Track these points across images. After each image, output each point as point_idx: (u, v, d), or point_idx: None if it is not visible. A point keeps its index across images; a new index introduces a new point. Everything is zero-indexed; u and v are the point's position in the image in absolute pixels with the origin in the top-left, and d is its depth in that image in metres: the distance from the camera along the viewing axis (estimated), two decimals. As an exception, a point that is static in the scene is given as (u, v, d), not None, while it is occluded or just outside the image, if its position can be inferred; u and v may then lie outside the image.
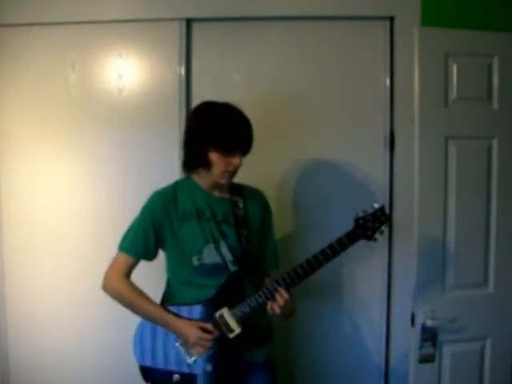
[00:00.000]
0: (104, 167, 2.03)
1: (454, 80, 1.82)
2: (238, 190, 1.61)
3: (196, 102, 1.98)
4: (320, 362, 2.06)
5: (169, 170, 1.97)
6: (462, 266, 1.83)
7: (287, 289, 1.45)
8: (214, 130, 1.45)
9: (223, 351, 1.49)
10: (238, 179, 1.59)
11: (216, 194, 1.57)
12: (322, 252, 1.44)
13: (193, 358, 1.50)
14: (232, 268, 1.53)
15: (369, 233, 1.45)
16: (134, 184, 2.01)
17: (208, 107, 1.53)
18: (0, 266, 2.06)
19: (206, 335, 1.46)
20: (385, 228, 1.47)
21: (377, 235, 1.46)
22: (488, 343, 1.88)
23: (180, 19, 1.95)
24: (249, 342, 1.51)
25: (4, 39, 2.01)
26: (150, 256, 1.56)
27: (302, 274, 1.45)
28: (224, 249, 1.53)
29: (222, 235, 1.53)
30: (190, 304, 1.53)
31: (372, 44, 1.98)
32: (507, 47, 1.84)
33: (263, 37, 1.99)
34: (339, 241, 1.45)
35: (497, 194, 1.85)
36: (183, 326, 1.48)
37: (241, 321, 1.47)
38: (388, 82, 1.97)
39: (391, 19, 1.94)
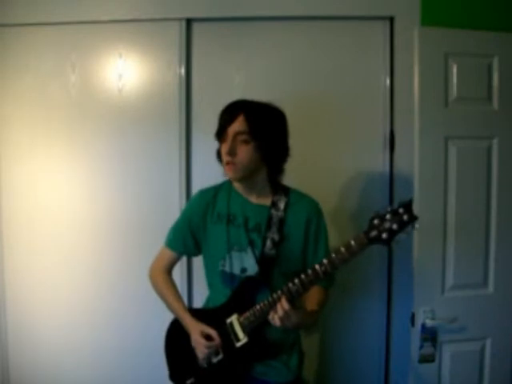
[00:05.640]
0: (104, 167, 2.03)
1: (454, 80, 1.81)
2: (284, 192, 1.51)
3: (196, 102, 2.00)
4: (319, 361, 2.06)
5: (168, 169, 1.98)
6: (461, 266, 1.83)
7: (291, 300, 1.30)
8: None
9: (229, 361, 1.44)
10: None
11: (254, 199, 1.50)
12: (329, 259, 1.26)
13: (188, 382, 1.50)
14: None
15: (384, 236, 1.19)
16: (133, 183, 2.01)
17: None
18: (0, 266, 2.07)
19: (203, 341, 1.43)
20: (408, 230, 1.18)
21: (398, 238, 1.19)
22: (488, 343, 1.88)
23: (180, 19, 1.96)
24: (257, 356, 1.43)
25: (4, 39, 2.01)
26: (190, 253, 1.62)
27: (306, 282, 1.29)
28: (248, 258, 1.46)
29: (250, 243, 1.46)
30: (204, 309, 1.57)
31: (372, 44, 1.98)
32: (507, 47, 1.84)
33: (263, 37, 1.99)
34: (348, 246, 1.23)
35: (497, 194, 1.85)
36: (191, 327, 1.48)
37: (248, 330, 1.39)
38: (388, 81, 1.97)
39: (391, 19, 1.94)
